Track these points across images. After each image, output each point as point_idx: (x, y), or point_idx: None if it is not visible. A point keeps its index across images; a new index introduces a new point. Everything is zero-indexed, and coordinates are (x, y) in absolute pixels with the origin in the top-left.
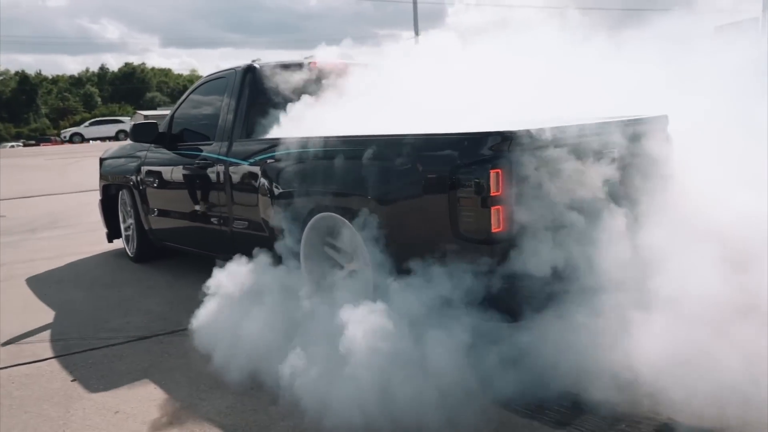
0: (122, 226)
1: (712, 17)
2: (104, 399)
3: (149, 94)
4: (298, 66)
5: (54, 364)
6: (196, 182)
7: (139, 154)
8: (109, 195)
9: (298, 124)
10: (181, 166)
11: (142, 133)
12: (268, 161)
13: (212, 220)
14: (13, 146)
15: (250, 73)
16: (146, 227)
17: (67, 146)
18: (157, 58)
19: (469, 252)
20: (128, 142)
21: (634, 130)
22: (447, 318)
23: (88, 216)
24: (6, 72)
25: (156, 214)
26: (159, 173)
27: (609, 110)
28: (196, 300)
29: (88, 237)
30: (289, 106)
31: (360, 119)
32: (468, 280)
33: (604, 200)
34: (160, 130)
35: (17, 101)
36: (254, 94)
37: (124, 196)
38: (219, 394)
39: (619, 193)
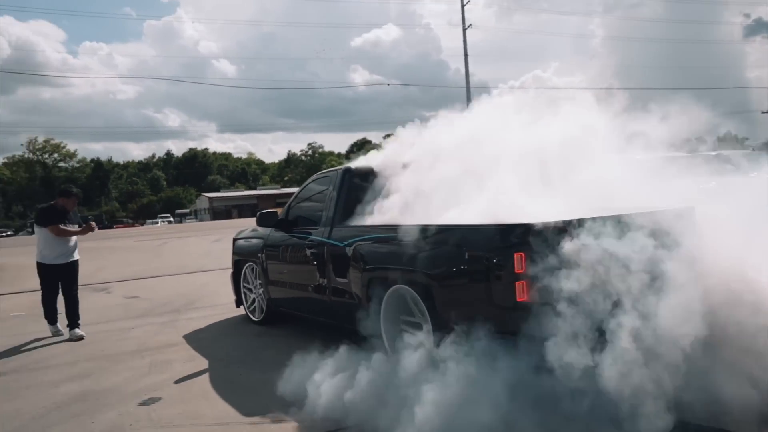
0: (245, 296)
1: None
2: None
3: (210, 177)
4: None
5: None
6: (306, 259)
7: (263, 235)
8: (239, 268)
9: (381, 214)
10: (294, 246)
11: (265, 219)
12: (358, 244)
13: (317, 290)
14: None
15: (347, 173)
16: (266, 296)
17: (138, 228)
18: (214, 142)
19: (501, 317)
20: (255, 226)
21: (656, 220)
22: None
23: (219, 297)
24: (83, 160)
25: (274, 284)
26: (278, 251)
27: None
28: None
29: (234, 317)
30: (376, 198)
31: (429, 208)
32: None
33: (613, 279)
34: (279, 217)
35: (91, 186)
36: (350, 189)
37: (248, 269)
38: None
39: (636, 275)
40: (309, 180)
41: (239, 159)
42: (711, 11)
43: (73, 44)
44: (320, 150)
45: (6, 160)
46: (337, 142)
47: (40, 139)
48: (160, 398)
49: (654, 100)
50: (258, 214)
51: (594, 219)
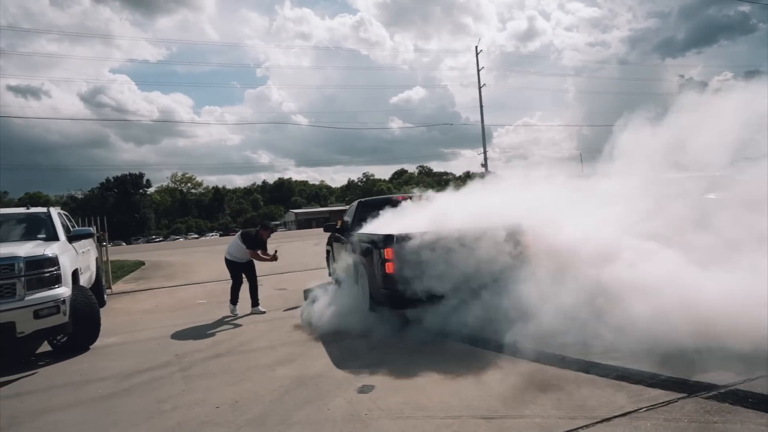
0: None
1: None
2: None
3: (293, 198)
4: (388, 199)
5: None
6: (342, 248)
7: (335, 235)
8: (328, 254)
9: (370, 226)
10: (340, 241)
11: (328, 227)
12: (351, 240)
13: (345, 265)
14: (212, 235)
15: (360, 203)
16: (333, 268)
17: None
18: (293, 173)
19: (384, 281)
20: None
21: (485, 233)
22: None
23: None
24: (206, 188)
25: (335, 261)
26: (336, 243)
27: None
28: None
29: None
30: (371, 217)
31: (392, 223)
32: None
33: (446, 263)
34: (337, 226)
35: (212, 206)
36: (360, 211)
37: (330, 254)
38: None
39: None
40: (350, 206)
41: (313, 185)
42: (654, 71)
43: (198, 108)
44: (372, 177)
45: (157, 189)
46: (382, 172)
47: (179, 174)
48: (373, 386)
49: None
50: (324, 225)
51: (423, 233)
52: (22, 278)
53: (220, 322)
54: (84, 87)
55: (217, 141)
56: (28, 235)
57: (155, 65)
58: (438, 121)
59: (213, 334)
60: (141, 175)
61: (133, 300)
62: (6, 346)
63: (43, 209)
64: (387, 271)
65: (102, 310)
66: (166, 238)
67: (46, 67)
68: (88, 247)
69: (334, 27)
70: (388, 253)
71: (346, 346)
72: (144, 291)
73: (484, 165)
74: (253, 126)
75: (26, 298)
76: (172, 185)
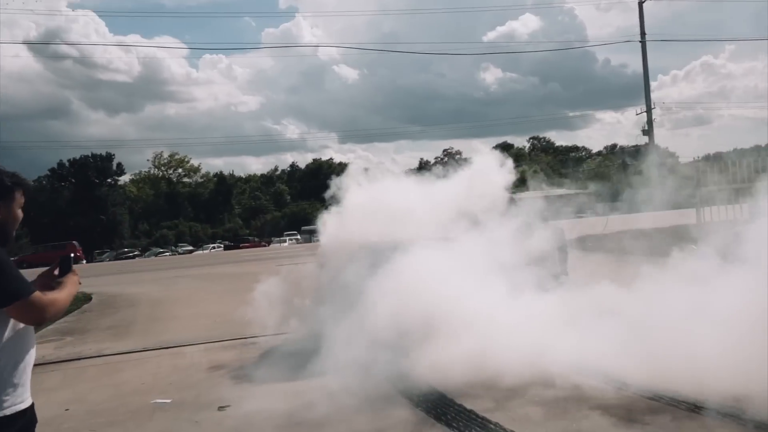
0: None
1: None
2: None
3: None
4: None
5: None
6: None
7: None
8: None
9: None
10: None
11: None
12: None
13: None
14: (213, 248)
15: None
16: None
17: (266, 249)
18: (334, 153)
19: None
20: None
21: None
22: None
23: None
24: (206, 174)
25: None
26: None
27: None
28: None
29: None
30: None
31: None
32: None
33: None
34: None
35: (214, 202)
36: None
37: None
38: None
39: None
40: None
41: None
42: None
43: (195, 58)
44: (458, 156)
45: (133, 177)
46: (473, 148)
47: (165, 154)
48: None
49: None
50: None
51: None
52: None
53: None
54: (33, 30)
55: (223, 106)
56: None
57: None
58: (558, 70)
59: None
60: (110, 157)
61: (36, 386)
62: None
63: None
64: None
65: None
66: (143, 252)
67: None
68: None
69: None
70: None
71: None
72: (64, 363)
73: (647, 131)
74: (276, 84)
75: None
76: (154, 171)
